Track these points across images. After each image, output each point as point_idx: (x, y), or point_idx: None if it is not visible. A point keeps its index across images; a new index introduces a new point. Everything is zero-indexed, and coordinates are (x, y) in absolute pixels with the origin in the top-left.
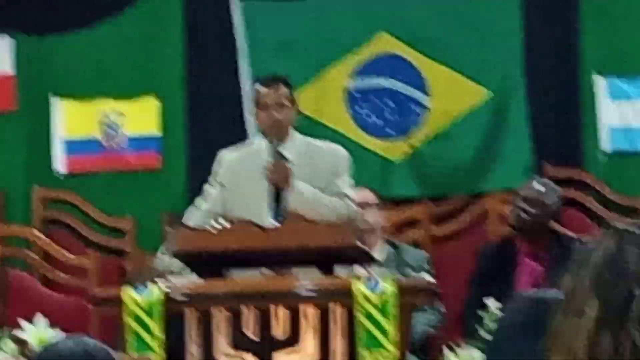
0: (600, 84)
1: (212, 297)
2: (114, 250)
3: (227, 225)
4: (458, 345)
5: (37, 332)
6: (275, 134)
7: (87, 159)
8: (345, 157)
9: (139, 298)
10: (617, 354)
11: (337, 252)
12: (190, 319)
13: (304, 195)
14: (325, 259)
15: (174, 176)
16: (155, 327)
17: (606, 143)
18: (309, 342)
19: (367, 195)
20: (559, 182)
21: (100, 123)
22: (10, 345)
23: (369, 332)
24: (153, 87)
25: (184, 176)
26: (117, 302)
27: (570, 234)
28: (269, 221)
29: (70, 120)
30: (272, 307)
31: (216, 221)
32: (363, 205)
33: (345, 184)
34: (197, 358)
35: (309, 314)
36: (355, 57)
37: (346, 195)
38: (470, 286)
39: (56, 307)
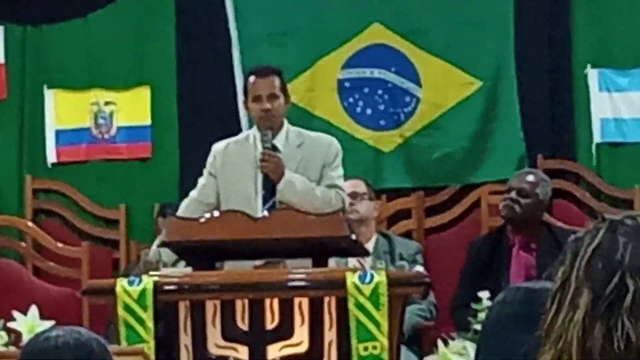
0: (593, 76)
1: (205, 288)
2: (106, 240)
3: (217, 215)
4: (451, 338)
5: (30, 322)
6: (267, 124)
7: (78, 149)
8: (338, 148)
9: (131, 289)
10: (609, 345)
11: (328, 243)
12: (182, 310)
13: (295, 186)
14: (316, 250)
15: (165, 166)
16: (147, 318)
17: (598, 134)
18: (302, 333)
19: (359, 186)
20: (550, 173)
21: (92, 113)
22: (3, 336)
23: (361, 324)
24: (145, 77)
25: (175, 166)
26: (109, 292)
27: (561, 225)
28: (261, 212)
29: (62, 110)
30: (264, 299)
31: (208, 212)
32: (354, 196)
33: (336, 175)
34: (189, 349)
35: (302, 306)
36: (348, 48)
37: (338, 186)
38: (461, 278)
39: (48, 297)
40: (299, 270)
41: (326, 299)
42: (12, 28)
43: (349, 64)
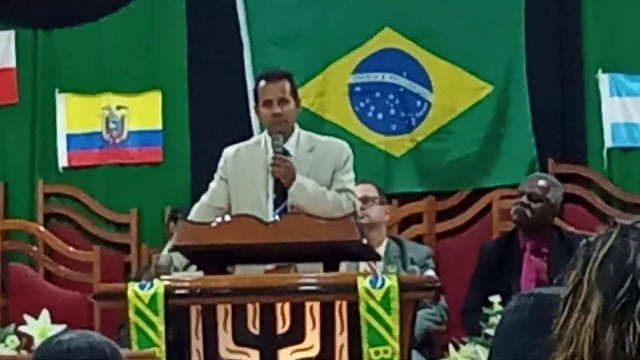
0: (604, 80)
1: (216, 293)
2: (117, 244)
3: (229, 219)
4: (462, 342)
5: (41, 326)
6: (278, 129)
7: (90, 153)
8: (348, 152)
9: (142, 293)
10: (621, 349)
11: (339, 248)
12: (194, 314)
13: (306, 190)
14: (327, 254)
15: (176, 171)
16: (158, 322)
17: (609, 139)
18: (313, 337)
19: (370, 191)
20: (561, 177)
21: (103, 117)
22: (15, 340)
23: (372, 328)
24: (156, 81)
25: (186, 171)
26: (121, 297)
27: (572, 229)
28: (272, 216)
29: (73, 115)
30: (275, 303)
31: (219, 216)
32: (365, 200)
33: (348, 179)
34: (200, 353)
35: (313, 310)
36: (359, 52)
37: (349, 191)
38: (472, 282)
39: (59, 301)
40: (310, 274)
41: (337, 303)
42: (24, 32)
43: (360, 69)
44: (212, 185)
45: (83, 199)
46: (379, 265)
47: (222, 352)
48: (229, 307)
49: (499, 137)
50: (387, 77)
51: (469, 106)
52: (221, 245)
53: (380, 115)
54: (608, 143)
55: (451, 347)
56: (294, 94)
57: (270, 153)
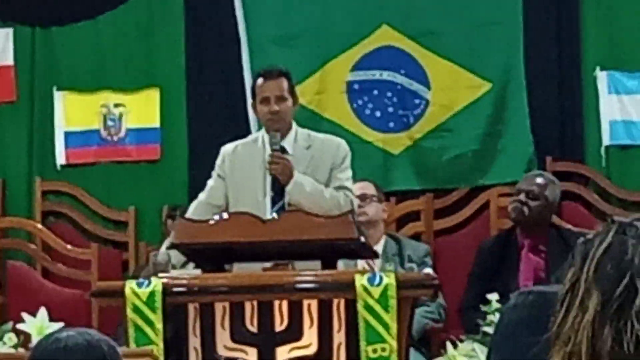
0: (602, 78)
1: (214, 290)
2: (115, 242)
3: (226, 217)
4: (460, 340)
5: (39, 324)
6: (276, 126)
7: (88, 150)
8: (346, 150)
9: (140, 291)
10: (619, 347)
11: (337, 245)
12: (192, 312)
13: (304, 187)
14: (325, 252)
15: (174, 168)
16: (156, 320)
17: (607, 137)
18: (311, 335)
19: (368, 188)
20: (559, 175)
21: (101, 115)
22: (12, 338)
23: (370, 326)
24: (154, 79)
25: (184, 168)
26: (119, 294)
27: (570, 227)
28: (269, 214)
29: (71, 112)
30: (273, 301)
31: (217, 214)
32: (363, 198)
33: (345, 177)
34: (198, 351)
35: (311, 308)
36: (357, 50)
37: (347, 188)
38: (470, 280)
39: (57, 299)
40: (307, 272)
41: (335, 301)
42: (22, 30)
43: (357, 66)
44: (210, 183)
45: (81, 196)
46: (376, 263)
47: (220, 350)
48: (226, 305)
49: (497, 135)
50: (385, 75)
51: (466, 104)
52: (219, 243)
53: (378, 113)
54: (606, 141)
55: (449, 345)
56: (292, 91)
57: (268, 151)
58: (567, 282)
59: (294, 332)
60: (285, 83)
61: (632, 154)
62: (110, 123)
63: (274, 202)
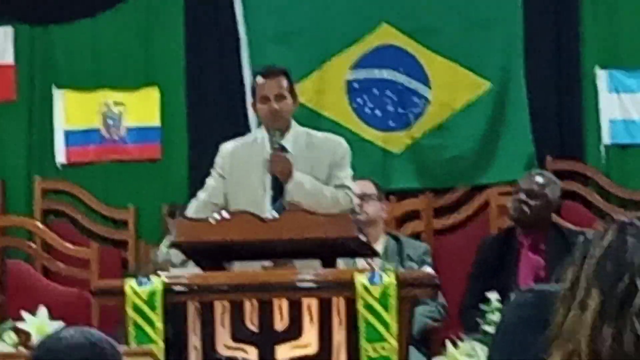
0: (601, 77)
1: (214, 289)
2: (115, 241)
3: (227, 216)
4: (460, 339)
5: (39, 323)
6: (275, 125)
7: (87, 149)
8: (346, 148)
9: (140, 289)
10: (619, 346)
11: (337, 244)
12: (191, 310)
13: (304, 186)
14: (325, 251)
15: (174, 167)
16: (156, 319)
17: (607, 136)
18: (311, 334)
19: (368, 187)
20: (559, 174)
21: (101, 113)
22: (12, 337)
23: (370, 325)
24: (154, 77)
25: (184, 167)
26: (119, 293)
27: (570, 226)
28: (269, 212)
29: (71, 111)
30: (273, 299)
31: (216, 212)
32: (363, 197)
33: (345, 175)
34: (198, 350)
35: (311, 306)
36: (356, 48)
37: (346, 187)
38: (470, 279)
39: (57, 298)
40: (307, 271)
41: (335, 300)
42: (21, 29)
43: (357, 65)
44: (209, 181)
45: (81, 195)
46: (376, 262)
47: (220, 349)
48: (226, 303)
49: (497, 134)
50: (385, 74)
51: (466, 103)
52: (219, 242)
53: (378, 112)
54: (606, 140)
55: (449, 344)
56: (291, 90)
57: (268, 149)
58: (567, 281)
59: (294, 331)
60: (284, 82)
61: (632, 152)
62: (110, 122)
63: (273, 201)
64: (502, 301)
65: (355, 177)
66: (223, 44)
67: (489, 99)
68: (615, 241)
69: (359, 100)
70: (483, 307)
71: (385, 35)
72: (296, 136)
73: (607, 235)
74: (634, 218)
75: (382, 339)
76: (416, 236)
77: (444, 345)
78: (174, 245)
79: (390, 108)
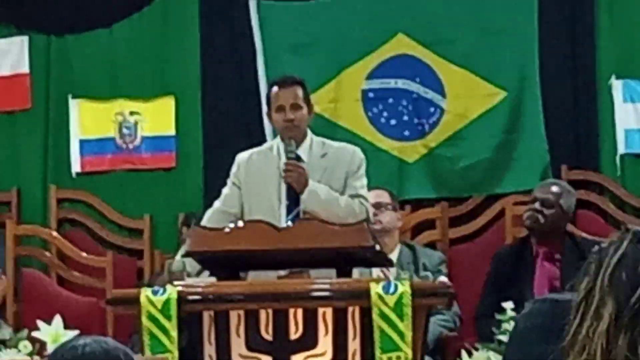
0: (617, 87)
1: (229, 298)
2: (130, 250)
3: (242, 225)
4: (475, 348)
5: (54, 332)
6: (291, 135)
7: (103, 158)
8: (361, 158)
9: (155, 298)
10: (633, 355)
11: (352, 253)
12: (207, 320)
13: (319, 195)
14: (340, 260)
15: (189, 176)
16: (171, 328)
17: (622, 145)
18: (326, 343)
19: (383, 196)
20: (574, 184)
21: (117, 123)
22: (27, 346)
23: (385, 334)
24: (169, 87)
25: (199, 176)
26: (134, 302)
27: (585, 236)
28: (284, 222)
29: (86, 120)
30: (288, 309)
31: (232, 222)
32: (378, 206)
33: (360, 185)
34: (213, 359)
35: (326, 316)
36: (372, 58)
37: (362, 196)
38: (485, 288)
39: (72, 307)
40: (322, 280)
41: (350, 309)
42: (37, 38)
43: (373, 75)
44: (225, 191)
45: (96, 204)
46: (391, 271)
47: (235, 358)
48: (241, 312)
49: (512, 144)
50: (400, 83)
51: (482, 112)
52: (234, 251)
53: (393, 121)
54: (621, 149)
55: (464, 353)
56: (307, 100)
57: (283, 159)
58: (582, 291)
59: (309, 340)
60: (300, 91)
61: None
62: (125, 131)
63: (289, 210)
64: (517, 310)
65: (370, 187)
66: (239, 54)
67: (504, 109)
68: (629, 251)
69: (374, 109)
70: (498, 316)
71: (401, 45)
72: (311, 146)
73: (622, 245)
74: None
75: (397, 348)
76: (431, 245)
77: (459, 355)
78: (189, 254)
79: (405, 118)
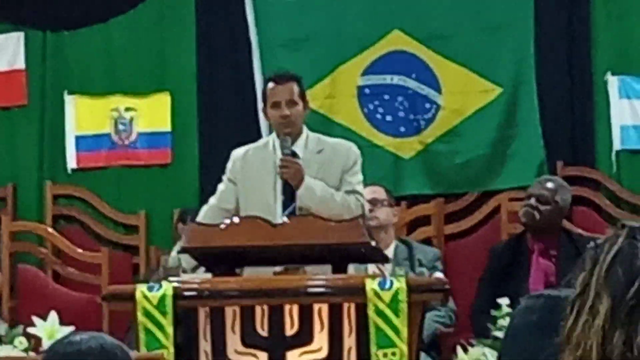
0: (613, 83)
1: (224, 294)
2: (126, 246)
3: (237, 221)
4: (470, 344)
5: (49, 328)
6: (286, 131)
7: (98, 154)
8: (357, 154)
9: (151, 295)
10: (629, 351)
11: (348, 250)
12: (202, 316)
13: (315, 191)
14: (336, 256)
15: (185, 172)
16: (167, 324)
17: (618, 142)
18: (321, 339)
19: (379, 193)
20: (570, 180)
21: (112, 119)
22: (23, 342)
23: (380, 330)
24: (165, 83)
25: (195, 172)
26: (129, 298)
27: (581, 232)
28: (280, 218)
29: (82, 116)
30: (284, 305)
31: (228, 218)
32: (374, 202)
33: (356, 180)
34: (208, 355)
35: (321, 312)
36: (368, 54)
37: (357, 192)
38: (480, 284)
39: (68, 303)
40: (318, 276)
41: (346, 305)
42: (33, 34)
43: (369, 71)
44: (220, 187)
45: (92, 200)
46: (387, 268)
47: (231, 354)
48: (237, 309)
49: (508, 140)
50: (396, 80)
51: (478, 108)
52: (230, 247)
53: (389, 118)
54: (617, 145)
55: (459, 349)
56: (302, 96)
57: (279, 155)
58: (577, 287)
59: (304, 336)
60: (295, 87)
61: None
62: (121, 127)
63: (284, 206)
64: (512, 306)
65: (366, 183)
66: (235, 50)
67: (500, 105)
68: (625, 247)
69: (370, 106)
70: (494, 312)
71: (397, 41)
72: (307, 142)
73: (618, 241)
74: None
75: (392, 344)
76: (427, 241)
77: (454, 351)
78: (184, 250)
79: (401, 114)
